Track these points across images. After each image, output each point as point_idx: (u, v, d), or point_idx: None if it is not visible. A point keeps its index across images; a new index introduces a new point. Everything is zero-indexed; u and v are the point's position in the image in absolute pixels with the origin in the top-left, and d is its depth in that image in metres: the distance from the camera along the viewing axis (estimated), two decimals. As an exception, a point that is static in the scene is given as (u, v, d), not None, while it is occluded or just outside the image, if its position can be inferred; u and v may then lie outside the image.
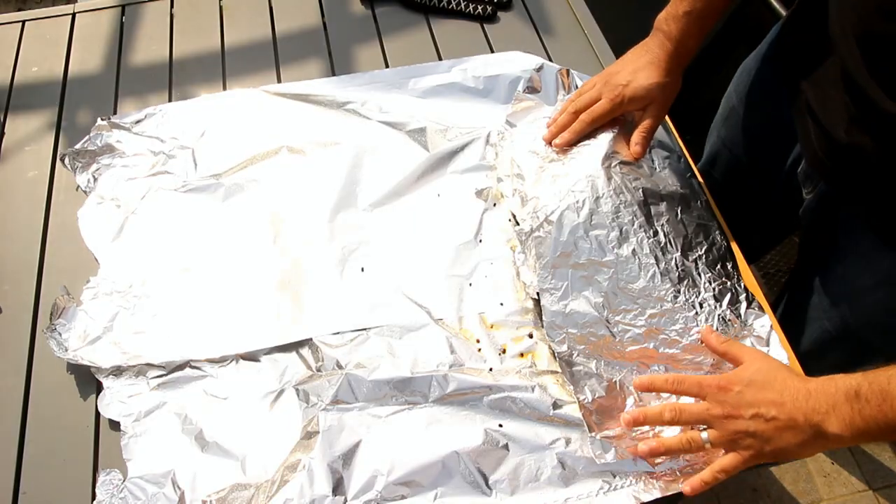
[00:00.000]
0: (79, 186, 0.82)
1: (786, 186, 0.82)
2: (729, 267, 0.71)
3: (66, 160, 0.83)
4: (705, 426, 0.59)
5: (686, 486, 0.59)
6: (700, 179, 0.80)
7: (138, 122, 0.86)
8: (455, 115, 0.87)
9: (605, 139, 0.77)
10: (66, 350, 0.66)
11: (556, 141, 0.77)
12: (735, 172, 0.91)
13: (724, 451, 0.59)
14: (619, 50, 0.86)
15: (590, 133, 0.78)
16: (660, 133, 0.83)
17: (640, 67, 0.74)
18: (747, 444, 0.57)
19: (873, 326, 0.75)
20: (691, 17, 0.72)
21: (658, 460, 0.62)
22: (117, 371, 0.67)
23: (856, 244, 0.72)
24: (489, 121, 0.86)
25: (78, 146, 0.83)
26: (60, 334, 0.68)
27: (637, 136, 0.75)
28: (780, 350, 0.67)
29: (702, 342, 0.65)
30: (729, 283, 0.70)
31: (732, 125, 0.90)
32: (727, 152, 0.92)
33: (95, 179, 0.81)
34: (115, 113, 0.90)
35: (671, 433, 0.62)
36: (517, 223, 0.78)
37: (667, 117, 0.85)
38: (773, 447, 0.56)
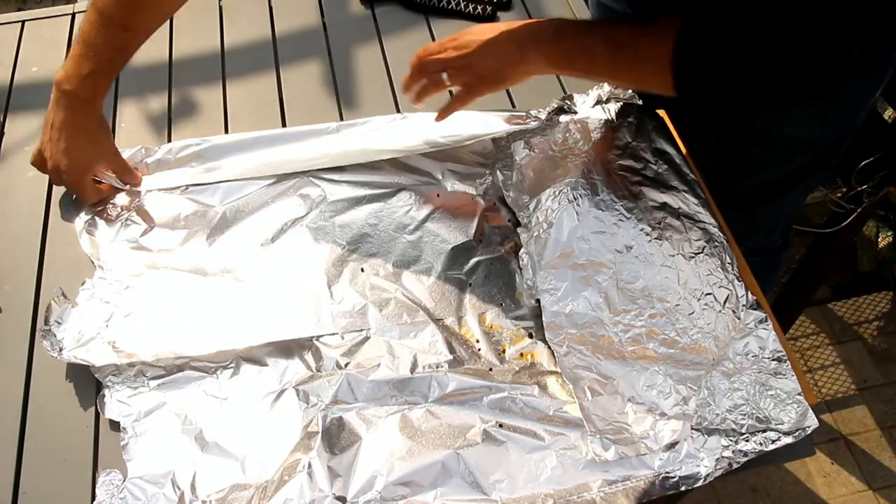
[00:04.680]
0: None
1: None
2: (729, 266, 0.71)
3: None
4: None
5: (437, 116, 0.77)
6: (699, 179, 0.80)
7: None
8: (456, 125, 0.87)
9: (601, 148, 0.77)
10: (61, 350, 0.66)
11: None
12: None
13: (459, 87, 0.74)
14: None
15: (586, 145, 0.79)
16: (660, 133, 0.83)
17: (70, 144, 0.76)
18: (477, 72, 0.72)
19: None
20: (97, 76, 0.75)
21: None
22: (116, 371, 0.66)
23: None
24: (489, 128, 0.86)
25: None
26: (55, 335, 0.67)
27: (119, 179, 0.79)
28: (779, 350, 0.67)
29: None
30: (728, 282, 0.70)
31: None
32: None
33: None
34: (114, 113, 0.90)
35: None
36: (518, 223, 0.78)
37: (666, 117, 0.85)
38: (493, 70, 0.72)
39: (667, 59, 0.64)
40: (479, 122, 0.85)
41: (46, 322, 0.68)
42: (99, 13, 0.72)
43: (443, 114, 0.77)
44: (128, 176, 0.80)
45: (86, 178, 0.77)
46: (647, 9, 0.89)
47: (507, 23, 0.74)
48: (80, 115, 0.75)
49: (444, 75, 0.74)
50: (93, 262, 0.75)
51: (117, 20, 0.72)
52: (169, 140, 0.88)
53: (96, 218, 0.78)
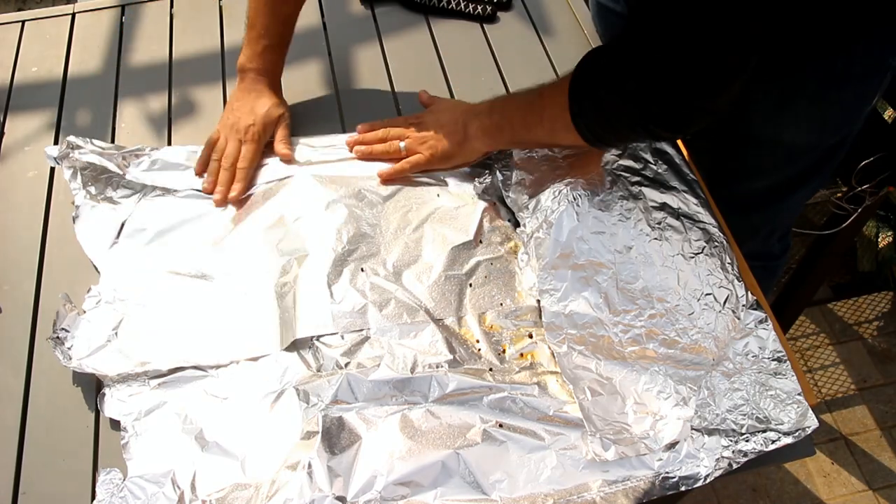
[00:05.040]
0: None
1: None
2: (728, 267, 0.71)
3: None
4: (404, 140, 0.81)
5: (381, 176, 0.81)
6: (699, 179, 0.80)
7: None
8: None
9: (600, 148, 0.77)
10: (71, 359, 0.66)
11: (232, 195, 0.80)
12: None
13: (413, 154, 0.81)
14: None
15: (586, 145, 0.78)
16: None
17: (254, 105, 0.84)
18: (429, 146, 0.80)
19: None
20: (270, 49, 0.84)
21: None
22: (121, 374, 0.67)
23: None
24: None
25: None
26: (64, 343, 0.67)
27: (279, 144, 0.84)
28: (779, 350, 0.67)
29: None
30: (728, 282, 0.70)
31: (604, 16, 1.00)
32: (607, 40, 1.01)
33: (88, 183, 0.81)
34: (114, 113, 0.91)
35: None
36: (518, 224, 0.78)
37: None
38: (442, 146, 0.79)
39: (565, 104, 0.66)
40: None
41: (54, 330, 0.68)
42: None
43: (390, 174, 0.81)
44: (288, 146, 0.84)
45: (262, 134, 0.83)
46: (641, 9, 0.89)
47: (465, 104, 0.83)
48: (262, 84, 0.85)
49: (402, 144, 0.81)
50: (95, 267, 0.75)
51: None
52: (169, 141, 0.88)
53: (97, 220, 0.78)
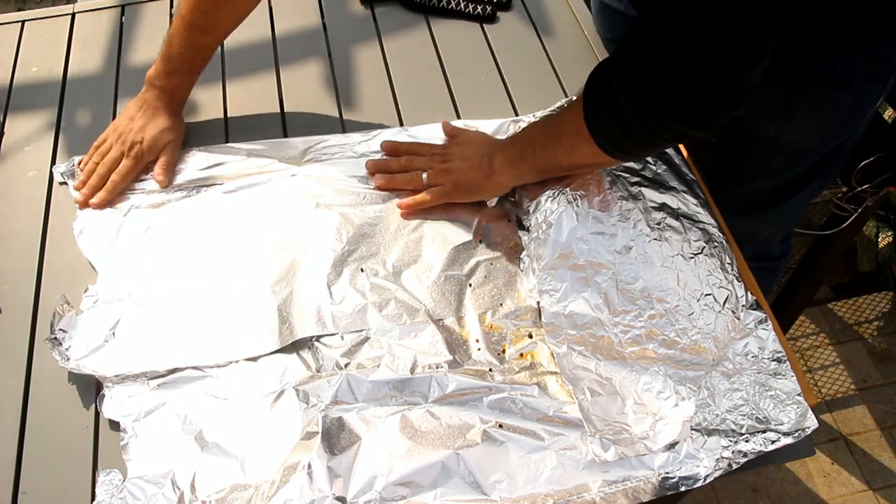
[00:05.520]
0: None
1: None
2: (728, 267, 0.71)
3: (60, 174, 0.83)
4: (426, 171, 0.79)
5: (401, 207, 0.79)
6: (699, 179, 0.80)
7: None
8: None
9: None
10: (69, 360, 0.66)
11: (94, 201, 0.79)
12: None
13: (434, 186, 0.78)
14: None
15: None
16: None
17: (147, 123, 0.82)
18: (452, 179, 0.78)
19: None
20: (178, 74, 0.82)
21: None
22: (119, 375, 0.67)
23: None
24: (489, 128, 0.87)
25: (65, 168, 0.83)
26: (61, 344, 0.67)
27: (159, 168, 0.81)
28: (779, 350, 0.67)
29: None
30: (728, 283, 0.70)
31: (606, 18, 1.00)
32: (611, 42, 1.00)
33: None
34: (114, 113, 0.91)
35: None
36: (518, 224, 0.78)
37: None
38: (466, 179, 0.77)
39: (580, 111, 0.65)
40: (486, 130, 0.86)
41: (52, 331, 0.68)
42: (181, 19, 0.79)
43: (410, 206, 0.78)
44: (167, 175, 0.81)
45: (145, 154, 0.81)
46: (648, 8, 0.89)
47: (490, 137, 0.83)
48: (161, 103, 0.83)
49: (425, 175, 0.78)
50: (92, 267, 0.75)
51: (197, 25, 0.79)
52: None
53: (95, 220, 0.78)
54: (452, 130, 0.85)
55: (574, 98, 0.69)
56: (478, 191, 0.78)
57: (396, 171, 0.81)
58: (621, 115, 0.62)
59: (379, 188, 0.80)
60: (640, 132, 0.62)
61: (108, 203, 0.79)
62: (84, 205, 0.79)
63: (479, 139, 0.81)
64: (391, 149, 0.83)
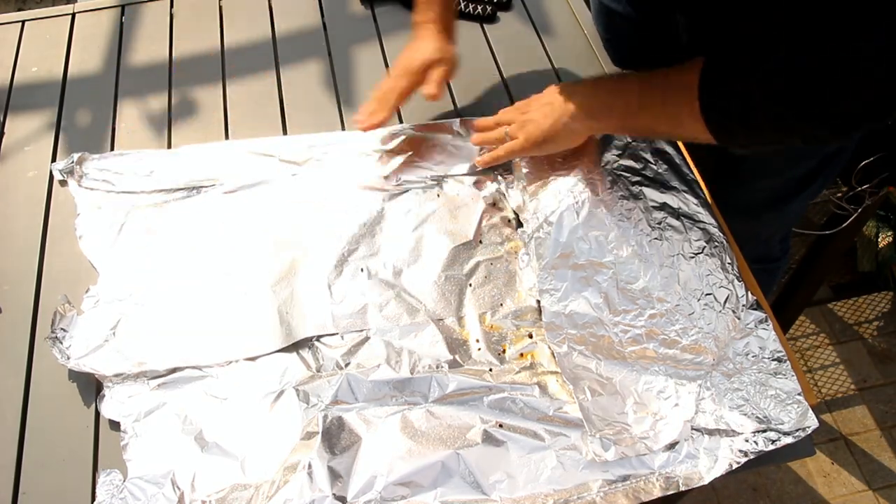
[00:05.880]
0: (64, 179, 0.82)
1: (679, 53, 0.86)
2: (728, 267, 0.71)
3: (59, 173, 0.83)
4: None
5: (478, 164, 0.81)
6: (699, 179, 0.80)
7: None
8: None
9: (600, 148, 0.77)
10: (69, 358, 0.66)
11: (372, 120, 0.81)
12: (627, 59, 0.98)
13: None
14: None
15: (586, 145, 0.78)
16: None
17: (419, 45, 0.83)
18: (526, 131, 0.75)
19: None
20: (436, 5, 0.82)
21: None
22: (119, 374, 0.67)
23: None
24: None
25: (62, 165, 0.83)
26: (62, 342, 0.68)
27: (429, 84, 0.81)
28: (779, 350, 0.66)
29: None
30: (728, 282, 0.70)
31: (607, 19, 0.98)
32: (613, 43, 0.99)
33: (89, 189, 0.81)
34: (114, 113, 0.91)
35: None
36: (520, 224, 0.78)
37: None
38: (540, 130, 0.74)
39: (694, 84, 0.61)
40: None
41: (53, 330, 0.68)
42: None
43: (486, 162, 0.80)
44: (438, 87, 0.81)
45: (415, 71, 0.81)
46: (647, 9, 0.89)
47: (570, 84, 0.77)
48: (429, 31, 0.83)
49: (506, 129, 0.78)
50: (93, 266, 0.75)
51: None
52: (169, 141, 0.88)
53: (97, 220, 0.78)
54: (524, 105, 0.81)
55: (682, 65, 0.63)
56: (551, 140, 0.75)
57: (489, 128, 0.81)
58: (754, 122, 0.59)
59: (474, 143, 0.83)
60: (770, 137, 0.61)
61: (384, 123, 0.81)
62: (369, 127, 0.81)
63: (560, 88, 0.76)
64: (495, 121, 0.82)
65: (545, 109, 0.75)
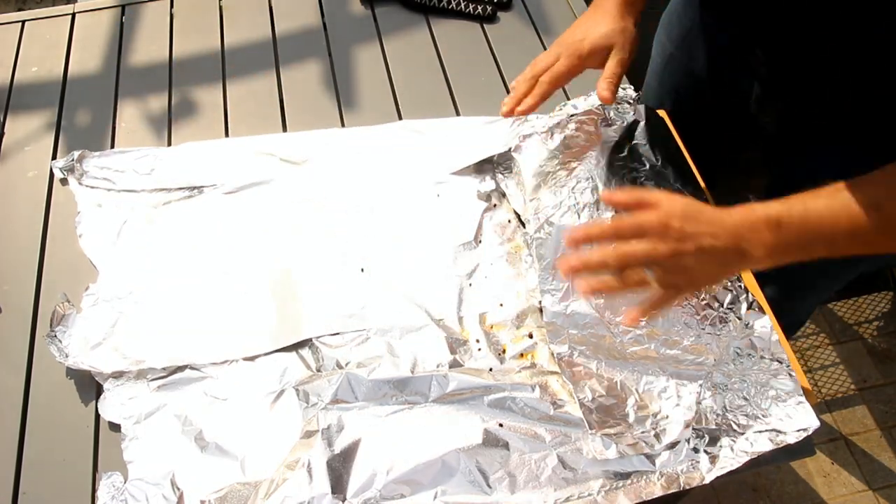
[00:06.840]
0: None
1: (741, 119, 0.80)
2: (729, 267, 0.71)
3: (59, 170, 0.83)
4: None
5: (625, 319, 0.59)
6: (699, 178, 0.80)
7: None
8: (463, 134, 0.87)
9: (601, 148, 0.77)
10: (67, 356, 0.66)
11: (520, 108, 0.70)
12: (686, 116, 0.89)
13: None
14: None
15: (586, 145, 0.78)
16: (660, 133, 0.83)
17: (594, 21, 0.72)
18: (689, 279, 0.58)
19: None
20: None
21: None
22: (118, 374, 0.67)
23: (825, 160, 0.72)
24: (494, 137, 0.86)
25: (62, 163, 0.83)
26: (61, 340, 0.68)
27: (603, 82, 0.70)
28: (779, 350, 0.66)
29: (608, 203, 0.67)
30: (729, 283, 0.70)
31: (674, 71, 0.91)
32: (673, 96, 0.93)
33: (90, 188, 0.81)
34: (114, 113, 0.90)
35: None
36: (521, 225, 0.78)
37: (666, 117, 0.85)
38: (709, 276, 0.59)
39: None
40: (483, 133, 0.86)
41: (52, 328, 0.68)
42: None
43: (639, 314, 0.58)
44: (610, 89, 0.69)
45: (584, 55, 0.71)
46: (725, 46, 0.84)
47: (712, 211, 0.57)
48: (611, 4, 0.72)
49: (650, 274, 0.57)
50: (94, 267, 0.75)
51: None
52: (169, 141, 0.88)
53: (97, 219, 0.78)
54: (639, 195, 0.58)
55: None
56: (719, 282, 0.67)
57: (598, 266, 0.58)
58: None
59: (584, 293, 0.64)
60: None
61: (532, 111, 0.70)
62: (508, 113, 0.70)
63: (711, 220, 0.57)
64: (583, 236, 0.58)
65: (718, 252, 0.56)
